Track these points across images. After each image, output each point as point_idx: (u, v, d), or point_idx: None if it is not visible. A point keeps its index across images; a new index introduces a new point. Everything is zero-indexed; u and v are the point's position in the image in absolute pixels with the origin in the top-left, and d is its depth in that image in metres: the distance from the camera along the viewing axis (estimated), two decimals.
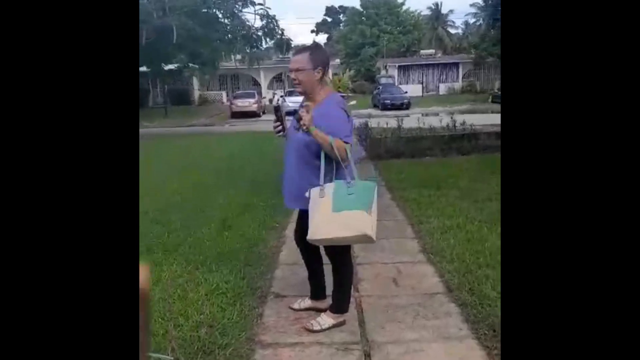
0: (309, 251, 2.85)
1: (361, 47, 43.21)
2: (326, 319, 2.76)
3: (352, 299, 2.95)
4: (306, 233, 2.50)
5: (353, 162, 2.54)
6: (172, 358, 2.40)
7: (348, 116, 2.59)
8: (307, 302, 3.02)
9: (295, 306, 3.02)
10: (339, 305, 2.79)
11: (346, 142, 2.49)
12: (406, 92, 28.45)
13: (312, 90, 2.62)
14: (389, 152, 8.98)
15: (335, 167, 2.54)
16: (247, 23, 21.11)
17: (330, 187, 2.48)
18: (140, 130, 19.43)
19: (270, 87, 37.43)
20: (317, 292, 2.99)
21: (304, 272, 3.11)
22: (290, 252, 4.00)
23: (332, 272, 2.82)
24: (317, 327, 2.73)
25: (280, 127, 2.76)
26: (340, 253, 2.71)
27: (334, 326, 2.74)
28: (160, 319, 2.82)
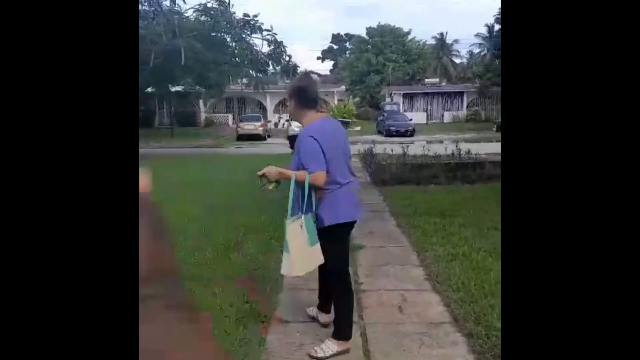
0: (320, 267, 2.77)
1: (367, 75, 43.66)
2: (330, 345, 2.72)
3: (357, 327, 2.94)
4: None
5: (312, 192, 2.62)
6: None
7: (319, 143, 2.57)
8: (315, 311, 3.13)
9: (309, 312, 3.18)
10: (340, 330, 2.77)
11: (310, 171, 2.56)
12: (411, 120, 28.61)
13: (297, 119, 2.82)
14: (394, 179, 8.99)
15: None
16: (255, 48, 21.42)
17: (304, 220, 2.58)
18: (147, 150, 19.48)
19: (276, 111, 37.72)
20: (323, 304, 3.08)
21: (307, 298, 3.32)
22: (294, 277, 3.97)
23: (332, 299, 2.85)
24: (320, 354, 2.69)
25: None
26: (341, 279, 2.77)
27: (338, 353, 2.70)
28: None
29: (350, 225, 2.76)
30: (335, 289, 2.80)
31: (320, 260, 2.60)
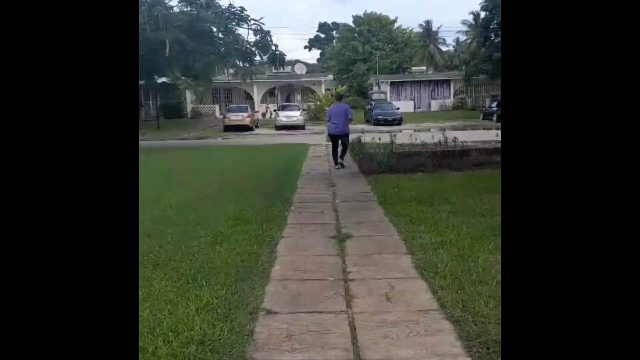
0: (336, 146, 10.07)
1: (353, 63, 43.52)
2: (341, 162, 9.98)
3: (345, 316, 3.07)
4: (337, 143, 10.02)
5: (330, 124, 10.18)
6: None
7: (328, 111, 10.53)
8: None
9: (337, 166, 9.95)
10: (343, 155, 9.97)
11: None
12: (398, 108, 28.59)
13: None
14: (381, 167, 8.99)
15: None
16: (241, 38, 21.23)
17: (326, 129, 10.78)
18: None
19: (263, 101, 37.49)
20: (338, 158, 10.02)
21: (295, 288, 3.48)
22: (282, 267, 3.96)
23: (341, 147, 10.04)
24: (340, 161, 9.97)
25: None
26: (332, 149, 10.28)
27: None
28: (149, 335, 2.77)
29: (332, 136, 9.98)
30: (344, 145, 10.01)
31: (328, 142, 11.04)
